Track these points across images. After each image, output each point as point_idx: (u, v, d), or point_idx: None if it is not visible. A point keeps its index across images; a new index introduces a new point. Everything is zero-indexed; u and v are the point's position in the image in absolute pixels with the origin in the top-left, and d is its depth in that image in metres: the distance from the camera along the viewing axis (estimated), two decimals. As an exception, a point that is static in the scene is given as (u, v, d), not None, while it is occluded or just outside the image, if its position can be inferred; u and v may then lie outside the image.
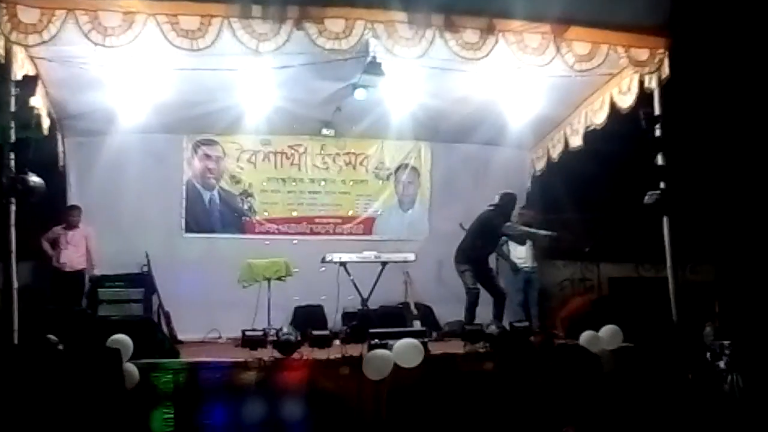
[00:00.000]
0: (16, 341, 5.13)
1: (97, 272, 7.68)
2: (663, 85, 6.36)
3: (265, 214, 8.81)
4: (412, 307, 7.55)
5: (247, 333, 5.91)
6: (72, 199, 8.09)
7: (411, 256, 7.50)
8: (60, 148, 7.79)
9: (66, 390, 4.52)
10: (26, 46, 5.48)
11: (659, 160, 6.37)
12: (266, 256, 7.81)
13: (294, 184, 8.93)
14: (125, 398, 4.81)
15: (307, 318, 7.37)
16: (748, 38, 8.23)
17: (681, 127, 6.64)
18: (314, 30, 5.60)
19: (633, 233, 7.70)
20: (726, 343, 5.63)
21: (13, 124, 5.24)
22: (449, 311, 7.69)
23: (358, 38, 5.66)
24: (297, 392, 5.25)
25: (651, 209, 6.29)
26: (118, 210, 8.09)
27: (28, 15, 5.25)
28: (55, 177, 7.58)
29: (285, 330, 5.86)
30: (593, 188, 8.64)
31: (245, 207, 8.80)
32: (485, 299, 6.96)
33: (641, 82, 6.43)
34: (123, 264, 7.64)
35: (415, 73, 6.62)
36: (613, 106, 6.86)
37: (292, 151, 8.91)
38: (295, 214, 8.84)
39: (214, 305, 7.58)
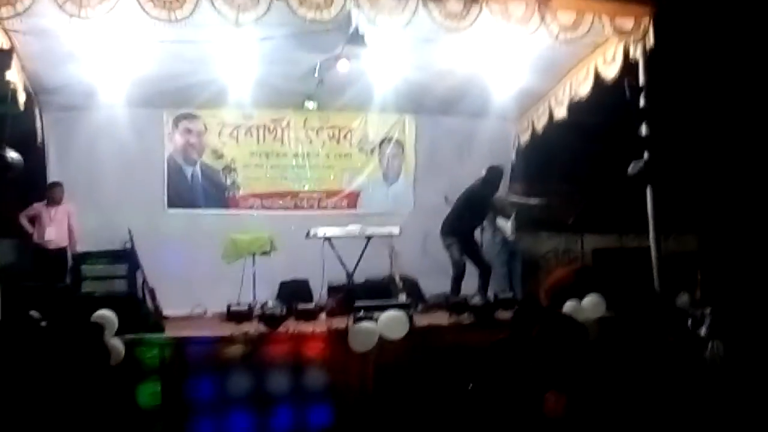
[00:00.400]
0: (-2, 319, 5.09)
1: (79, 249, 7.61)
2: (648, 55, 6.33)
3: (249, 189, 8.75)
4: (398, 280, 7.55)
5: (233, 307, 5.92)
6: (52, 175, 7.97)
7: (396, 230, 7.48)
8: (38, 124, 7.63)
9: (50, 366, 4.49)
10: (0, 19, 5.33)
11: (643, 130, 6.38)
12: (250, 231, 7.78)
13: (277, 158, 8.87)
14: (109, 373, 4.80)
15: (293, 292, 7.34)
16: (733, 6, 8.21)
17: (665, 96, 6.64)
18: (295, 0, 5.50)
19: (617, 204, 7.73)
20: (707, 311, 5.70)
21: (-12, 99, 5.13)
22: (434, 284, 7.69)
23: (339, 8, 5.54)
24: (283, 366, 5.27)
25: (635, 179, 6.31)
26: (99, 186, 8.02)
27: (0, -14, 5.09)
28: (35, 153, 7.46)
29: (270, 304, 5.84)
30: (578, 160, 8.67)
31: (228, 182, 8.74)
32: (470, 272, 6.98)
33: (626, 52, 6.39)
34: (105, 240, 7.53)
35: (398, 44, 6.54)
36: (597, 77, 6.81)
37: (275, 125, 8.83)
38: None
39: (199, 280, 7.55)
